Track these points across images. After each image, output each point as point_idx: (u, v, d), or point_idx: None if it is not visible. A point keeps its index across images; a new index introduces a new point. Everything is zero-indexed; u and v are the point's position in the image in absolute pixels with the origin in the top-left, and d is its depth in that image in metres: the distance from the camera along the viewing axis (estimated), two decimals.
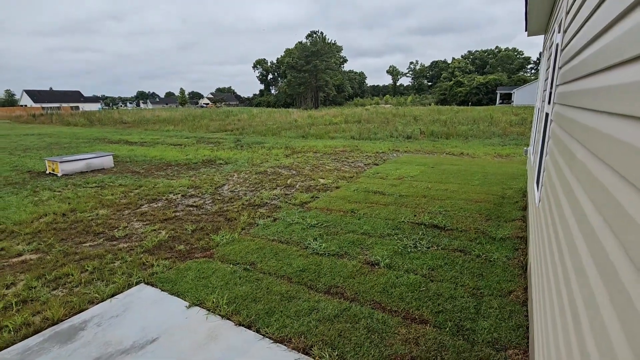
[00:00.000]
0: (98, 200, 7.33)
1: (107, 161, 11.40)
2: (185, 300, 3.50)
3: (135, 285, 3.83)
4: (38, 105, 65.74)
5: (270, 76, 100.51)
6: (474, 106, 48.44)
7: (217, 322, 3.13)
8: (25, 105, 66.69)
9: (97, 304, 3.48)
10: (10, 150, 15.76)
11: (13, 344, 2.88)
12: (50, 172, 10.39)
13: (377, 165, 11.21)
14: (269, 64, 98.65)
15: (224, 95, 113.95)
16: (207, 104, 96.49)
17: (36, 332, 3.03)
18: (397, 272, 3.95)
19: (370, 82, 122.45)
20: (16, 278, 4.08)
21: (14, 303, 3.47)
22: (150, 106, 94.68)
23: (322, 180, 9.09)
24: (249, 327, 3.05)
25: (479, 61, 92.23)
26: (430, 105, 56.82)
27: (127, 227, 5.80)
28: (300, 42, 72.17)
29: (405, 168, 10.27)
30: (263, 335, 2.95)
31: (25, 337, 2.97)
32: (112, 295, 3.61)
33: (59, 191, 8.19)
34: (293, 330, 2.97)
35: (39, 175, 10.16)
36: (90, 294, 3.65)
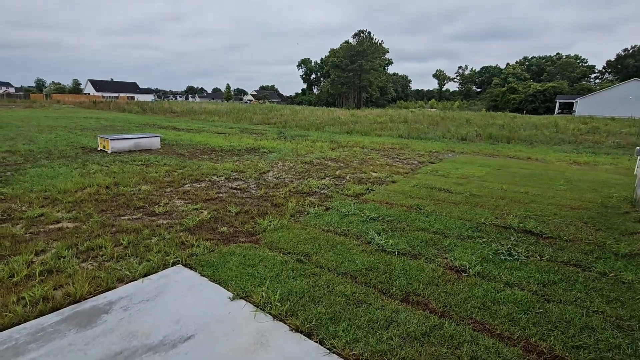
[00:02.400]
0: (142, 176, 7.05)
1: (155, 142, 11.37)
2: (228, 289, 2.84)
3: (172, 266, 3.25)
4: (99, 94, 70.98)
5: (313, 76, 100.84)
6: (529, 114, 44.82)
7: (267, 323, 2.42)
8: (89, 94, 72.34)
9: (127, 283, 2.92)
10: (70, 129, 16.55)
11: (26, 321, 2.37)
12: (101, 149, 10.50)
13: (433, 163, 10.15)
14: (312, 63, 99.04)
15: (267, 93, 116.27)
16: (251, 100, 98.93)
17: (54, 309, 2.51)
18: (494, 285, 3.01)
19: (413, 86, 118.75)
20: (48, 245, 3.68)
21: (38, 272, 3.01)
22: (197, 100, 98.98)
23: (374, 174, 8.24)
24: (308, 336, 2.31)
25: (536, 68, 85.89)
26: (480, 111, 53.51)
27: (168, 204, 5.35)
28: (346, 42, 71.34)
29: (467, 168, 9.13)
30: (329, 349, 2.19)
31: (42, 313, 2.46)
32: (145, 275, 3.05)
33: (106, 166, 8.09)
34: (370, 348, 2.18)
35: (91, 151, 10.29)
36: (121, 270, 3.11)
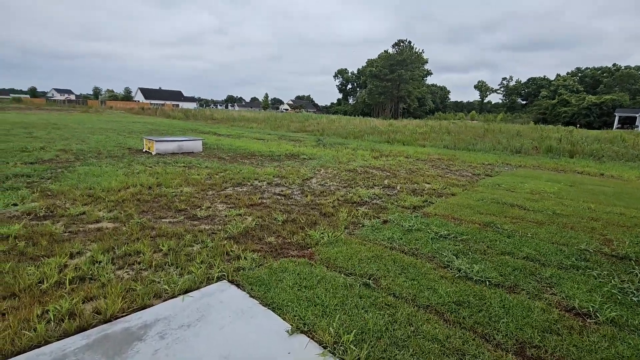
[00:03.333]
0: (184, 178, 6.81)
1: (197, 145, 11.34)
2: (284, 318, 2.28)
3: (216, 281, 2.75)
4: (148, 101, 75.43)
5: (349, 86, 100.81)
6: (582, 128, 41.19)
7: None
8: (138, 101, 77.14)
9: (166, 300, 2.45)
10: (119, 132, 17.23)
11: (47, 343, 1.94)
12: (146, 150, 10.59)
13: (490, 176, 9.15)
14: (349, 73, 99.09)
15: (302, 102, 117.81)
16: (287, 109, 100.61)
17: (81, 329, 2.08)
18: None
19: (452, 97, 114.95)
20: (85, 247, 3.35)
21: (69, 279, 2.63)
22: (237, 108, 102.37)
23: (427, 185, 7.46)
24: None
25: (590, 79, 79.72)
26: (528, 123, 50.23)
27: (210, 207, 4.96)
28: (385, 51, 70.47)
29: (533, 183, 8.06)
30: None
31: (66, 334, 2.03)
32: (186, 291, 2.57)
33: (150, 167, 7.99)
34: None
35: (136, 152, 10.39)
36: (159, 283, 2.66)
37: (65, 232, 3.73)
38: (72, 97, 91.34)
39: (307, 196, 5.92)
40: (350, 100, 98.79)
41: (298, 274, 2.91)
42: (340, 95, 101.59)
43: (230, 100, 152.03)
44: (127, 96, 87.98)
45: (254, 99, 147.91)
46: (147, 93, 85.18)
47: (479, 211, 5.21)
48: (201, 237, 3.73)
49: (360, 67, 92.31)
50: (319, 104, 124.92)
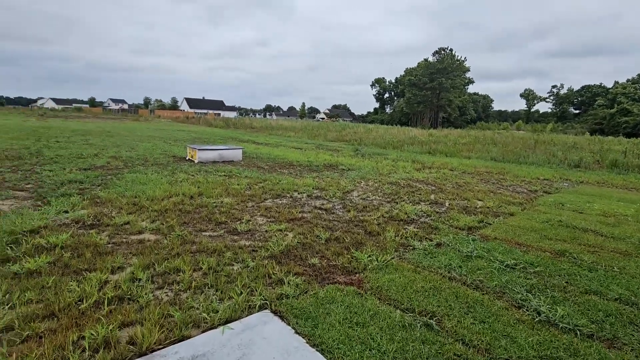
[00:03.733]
0: (224, 188, 6.77)
1: (237, 154, 11.46)
2: None
3: (258, 310, 2.50)
4: (192, 110, 79.56)
5: (386, 95, 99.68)
6: None
7: None
8: (184, 110, 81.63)
9: (204, 331, 2.23)
10: (165, 140, 18.06)
11: None
12: (189, 159, 10.86)
13: (550, 193, 8.27)
14: (387, 82, 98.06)
15: (338, 112, 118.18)
16: (323, 118, 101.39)
17: None
18: None
19: (495, 106, 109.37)
20: (126, 261, 3.27)
21: (108, 298, 2.51)
22: (274, 117, 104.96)
23: (479, 202, 6.83)
24: None
25: None
26: (584, 134, 46.28)
27: (250, 221, 4.80)
28: (425, 60, 68.83)
29: (602, 202, 7.13)
30: None
31: None
32: (226, 321, 2.34)
33: (192, 175, 8.11)
34: None
35: (180, 160, 10.69)
36: (198, 310, 2.46)
37: (109, 244, 3.71)
38: (125, 106, 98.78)
39: (349, 211, 5.59)
40: (388, 109, 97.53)
41: (347, 306, 2.59)
42: (377, 104, 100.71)
43: (269, 109, 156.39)
44: (174, 105, 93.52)
45: (291, 108, 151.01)
46: (192, 102, 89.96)
47: (546, 236, 4.58)
48: (242, 254, 3.53)
49: (398, 76, 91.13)
50: (355, 113, 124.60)
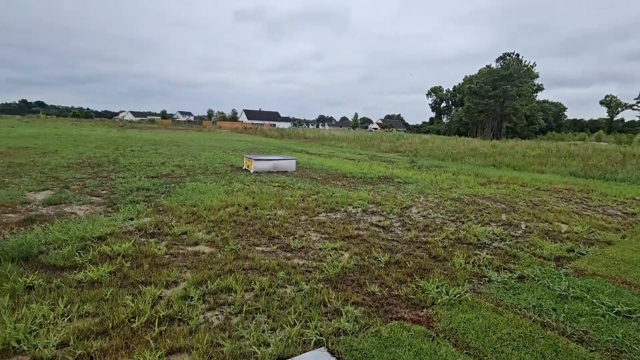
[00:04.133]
0: (278, 199, 6.69)
1: (291, 165, 11.51)
2: None
3: (313, 347, 2.21)
4: (249, 121, 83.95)
5: (443, 104, 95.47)
6: None
7: None
8: (242, 121, 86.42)
9: None
10: (224, 150, 19.00)
11: None
12: (245, 168, 11.15)
13: None
14: (444, 91, 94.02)
15: (392, 122, 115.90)
16: (375, 128, 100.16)
17: None
18: None
19: (569, 115, 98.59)
20: (181, 275, 3.22)
21: (159, 318, 2.41)
22: (327, 127, 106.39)
23: (563, 225, 5.88)
24: None
25: None
26: None
27: (303, 236, 4.58)
28: (487, 66, 64.47)
29: None
30: None
31: None
32: (278, 359, 2.08)
33: (248, 185, 8.21)
34: None
35: (237, 169, 11.01)
36: (248, 341, 2.23)
37: (166, 254, 3.72)
38: (192, 118, 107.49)
39: (410, 230, 5.12)
40: (444, 119, 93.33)
41: (417, 352, 2.18)
42: (433, 114, 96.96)
43: (321, 119, 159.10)
44: (234, 117, 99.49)
45: (343, 119, 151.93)
46: (250, 114, 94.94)
47: None
48: (295, 275, 3.29)
49: (456, 85, 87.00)
50: (409, 123, 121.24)
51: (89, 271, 3.10)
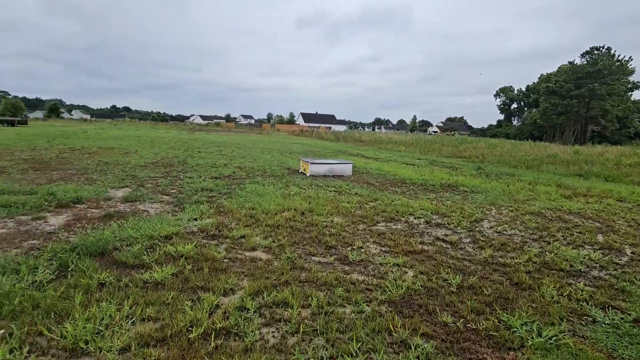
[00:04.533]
0: (334, 205, 6.49)
1: (347, 169, 11.27)
2: None
3: None
4: (306, 124, 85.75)
5: (514, 105, 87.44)
6: None
7: None
8: (299, 124, 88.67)
9: None
10: (282, 152, 19.46)
11: None
12: (301, 171, 11.18)
13: None
14: (514, 92, 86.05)
15: (454, 125, 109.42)
16: (435, 131, 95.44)
17: None
18: None
19: None
20: (238, 282, 3.15)
21: (215, 330, 2.32)
22: (383, 130, 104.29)
23: None
24: None
25: None
26: None
27: (362, 248, 4.30)
28: (570, 63, 57.18)
29: None
30: None
31: None
32: None
33: (304, 189, 8.16)
34: None
35: (293, 172, 11.09)
36: None
37: (225, 259, 3.72)
38: (252, 121, 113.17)
39: (483, 249, 4.53)
40: (515, 122, 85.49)
41: None
42: (501, 116, 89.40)
43: (378, 122, 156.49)
44: (291, 120, 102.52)
45: (401, 121, 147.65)
46: (307, 117, 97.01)
47: None
48: (354, 294, 3.02)
49: (530, 84, 79.16)
50: (473, 126, 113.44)
51: (154, 272, 3.18)
